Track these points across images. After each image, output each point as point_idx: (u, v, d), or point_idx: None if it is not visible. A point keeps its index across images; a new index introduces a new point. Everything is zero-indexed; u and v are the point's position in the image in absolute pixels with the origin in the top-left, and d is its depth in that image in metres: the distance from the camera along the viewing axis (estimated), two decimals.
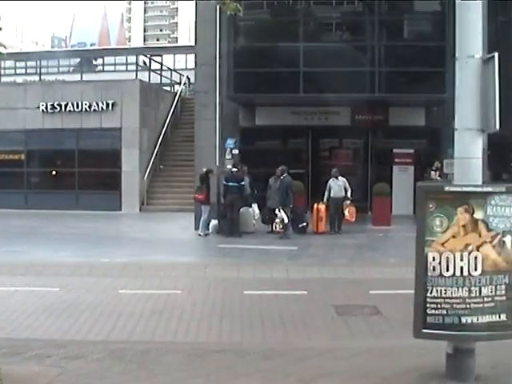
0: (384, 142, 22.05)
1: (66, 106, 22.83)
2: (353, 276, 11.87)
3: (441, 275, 5.53)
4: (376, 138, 22.19)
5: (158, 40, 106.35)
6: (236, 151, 22.09)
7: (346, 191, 17.75)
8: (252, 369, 6.53)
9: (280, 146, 22.99)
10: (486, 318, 5.58)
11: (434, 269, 5.53)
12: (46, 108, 23.03)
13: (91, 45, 66.60)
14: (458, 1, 5.85)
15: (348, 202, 17.72)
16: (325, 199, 17.46)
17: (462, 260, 5.51)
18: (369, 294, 9.97)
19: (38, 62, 31.77)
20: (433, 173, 20.73)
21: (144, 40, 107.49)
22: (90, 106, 22.65)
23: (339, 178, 17.61)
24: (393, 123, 20.93)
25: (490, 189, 5.57)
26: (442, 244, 5.53)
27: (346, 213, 17.56)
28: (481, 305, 5.56)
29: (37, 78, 29.34)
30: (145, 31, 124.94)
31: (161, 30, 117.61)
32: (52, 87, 24.01)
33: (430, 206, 5.53)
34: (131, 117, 22.48)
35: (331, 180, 17.72)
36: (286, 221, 16.50)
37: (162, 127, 25.01)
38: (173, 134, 24.92)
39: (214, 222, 16.99)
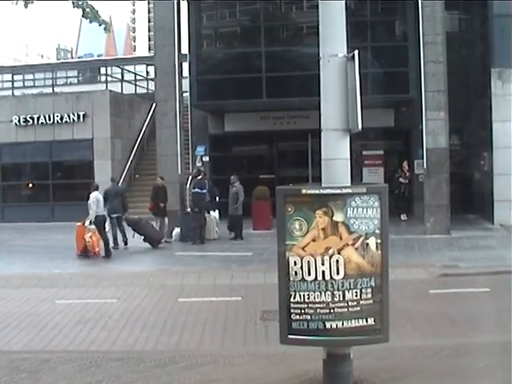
0: (353, 144, 21.83)
1: (38, 118, 22.86)
2: None
3: (303, 280, 5.42)
4: None
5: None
6: (206, 158, 22.16)
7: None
8: (138, 377, 6.53)
9: (250, 151, 22.93)
10: (353, 323, 5.44)
11: (296, 273, 5.43)
12: (19, 121, 23.07)
13: (98, 55, 66.76)
14: (320, 0, 5.78)
15: (90, 225, 14.92)
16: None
17: (323, 264, 5.40)
18: None
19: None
20: (403, 173, 20.62)
21: (149, 49, 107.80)
22: (61, 118, 22.66)
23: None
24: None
25: (349, 190, 5.45)
26: (303, 248, 5.41)
27: (88, 239, 14.86)
28: (345, 309, 5.41)
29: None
30: (149, 40, 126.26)
31: None
32: (24, 100, 24.01)
33: (289, 209, 5.43)
34: (102, 127, 22.46)
35: None
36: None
37: (137, 137, 25.01)
38: (150, 143, 24.82)
39: (176, 230, 16.93)
